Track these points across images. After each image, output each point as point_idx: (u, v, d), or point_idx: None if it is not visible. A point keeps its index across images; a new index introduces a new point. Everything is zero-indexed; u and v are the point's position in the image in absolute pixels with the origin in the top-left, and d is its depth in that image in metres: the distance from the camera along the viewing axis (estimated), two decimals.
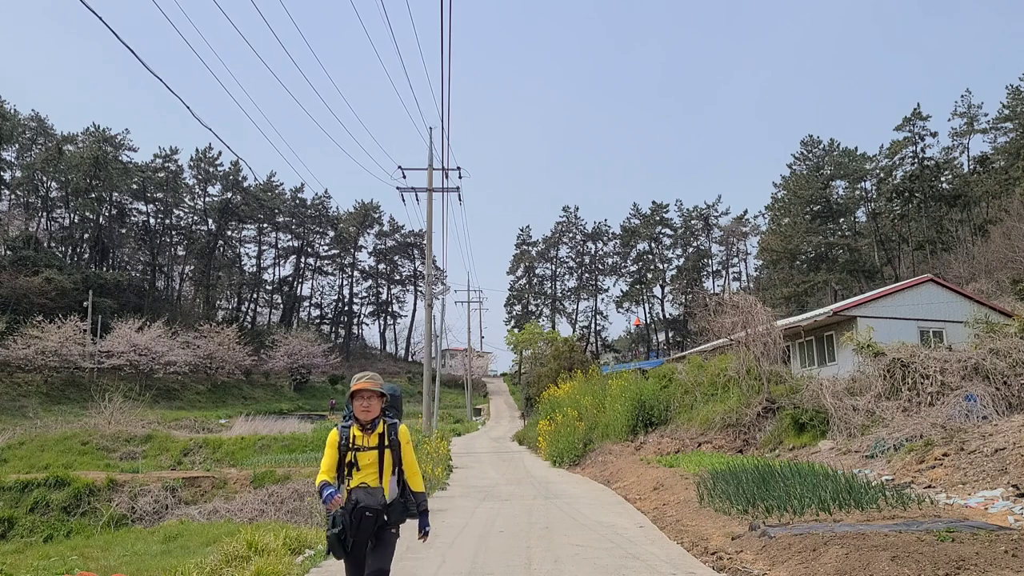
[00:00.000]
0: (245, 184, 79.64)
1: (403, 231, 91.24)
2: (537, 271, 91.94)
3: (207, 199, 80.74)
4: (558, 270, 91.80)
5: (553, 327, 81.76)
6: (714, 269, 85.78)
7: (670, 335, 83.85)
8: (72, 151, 67.62)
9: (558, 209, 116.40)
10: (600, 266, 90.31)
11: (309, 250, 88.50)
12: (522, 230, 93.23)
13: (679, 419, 22.39)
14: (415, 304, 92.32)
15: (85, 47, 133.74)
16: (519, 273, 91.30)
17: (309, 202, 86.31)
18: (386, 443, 4.57)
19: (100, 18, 8.75)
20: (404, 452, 4.63)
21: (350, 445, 4.52)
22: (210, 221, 80.00)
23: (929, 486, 11.14)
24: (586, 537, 9.78)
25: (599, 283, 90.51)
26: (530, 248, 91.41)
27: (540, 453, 29.15)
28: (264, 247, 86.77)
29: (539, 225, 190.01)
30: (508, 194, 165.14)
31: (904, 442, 13.40)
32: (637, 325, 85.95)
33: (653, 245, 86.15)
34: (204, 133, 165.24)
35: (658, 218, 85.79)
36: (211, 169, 79.38)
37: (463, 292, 79.60)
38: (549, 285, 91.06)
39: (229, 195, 79.90)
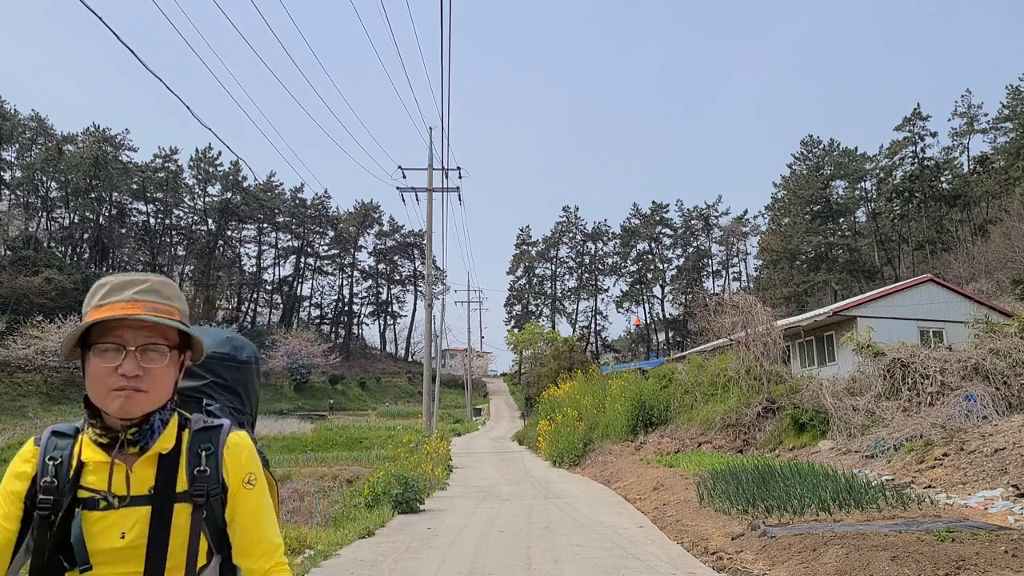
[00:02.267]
0: (245, 184, 79.59)
1: (403, 231, 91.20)
2: (537, 271, 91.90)
3: (207, 199, 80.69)
4: (558, 270, 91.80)
5: (553, 327, 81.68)
6: (714, 269, 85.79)
7: (670, 335, 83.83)
8: (72, 151, 67.56)
9: (558, 209, 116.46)
10: (600, 266, 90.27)
11: (309, 250, 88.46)
12: (522, 230, 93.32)
13: (679, 419, 22.39)
14: (415, 304, 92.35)
15: (85, 47, 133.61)
16: (519, 273, 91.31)
17: (309, 202, 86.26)
18: (186, 487, 1.54)
19: (100, 18, 8.75)
20: (241, 510, 1.62)
21: (64, 489, 1.50)
22: (210, 221, 79.95)
23: (929, 486, 11.14)
24: (586, 537, 9.78)
25: (599, 283, 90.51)
26: (530, 248, 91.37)
27: (540, 453, 29.14)
28: (264, 247, 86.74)
29: (539, 225, 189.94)
30: (508, 194, 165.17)
31: (904, 442, 13.40)
32: (637, 325, 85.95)
33: (653, 245, 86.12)
34: (204, 133, 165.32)
35: (658, 218, 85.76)
36: (211, 169, 79.35)
37: (463, 292, 79.65)
38: (549, 285, 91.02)
39: (229, 195, 79.85)
